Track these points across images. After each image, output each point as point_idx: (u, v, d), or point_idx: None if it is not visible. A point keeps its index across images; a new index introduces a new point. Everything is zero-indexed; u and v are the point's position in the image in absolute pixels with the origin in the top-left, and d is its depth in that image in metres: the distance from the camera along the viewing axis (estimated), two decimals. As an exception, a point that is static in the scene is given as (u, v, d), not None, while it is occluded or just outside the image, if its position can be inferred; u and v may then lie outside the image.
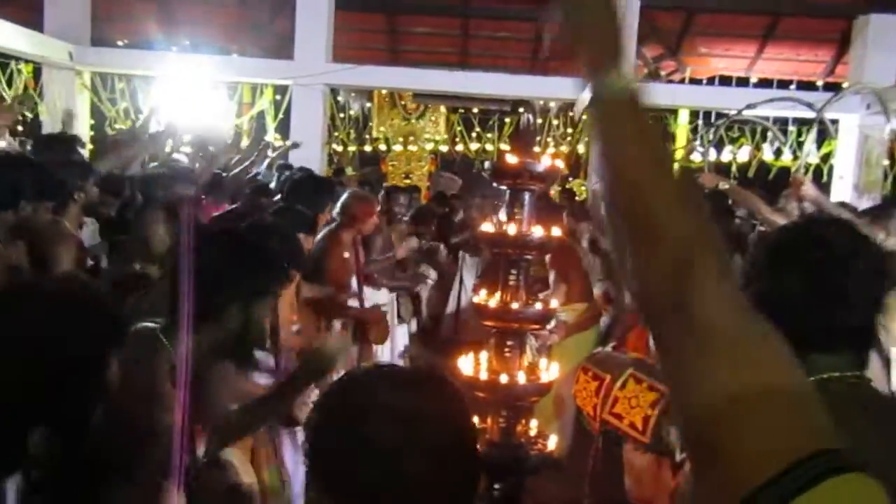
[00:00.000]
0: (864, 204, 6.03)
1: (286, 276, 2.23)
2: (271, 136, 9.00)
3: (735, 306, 0.65)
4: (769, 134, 8.52)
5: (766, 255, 1.20)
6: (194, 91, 8.37)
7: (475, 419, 1.02)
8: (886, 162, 8.69)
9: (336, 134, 11.95)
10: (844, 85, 8.83)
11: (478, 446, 0.94)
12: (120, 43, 9.61)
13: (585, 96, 0.77)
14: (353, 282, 4.13)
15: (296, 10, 8.17)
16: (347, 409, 0.90)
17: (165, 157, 5.06)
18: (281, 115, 8.91)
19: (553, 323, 4.10)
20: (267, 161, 6.84)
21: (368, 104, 13.13)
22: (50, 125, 7.72)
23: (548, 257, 4.56)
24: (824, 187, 8.38)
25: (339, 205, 4.03)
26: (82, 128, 8.05)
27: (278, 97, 9.00)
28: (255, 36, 9.85)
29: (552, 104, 11.52)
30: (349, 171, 12.15)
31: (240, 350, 1.65)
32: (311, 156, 7.87)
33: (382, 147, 12.97)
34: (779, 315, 0.84)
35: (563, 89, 8.88)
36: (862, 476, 0.58)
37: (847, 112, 7.63)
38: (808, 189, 3.39)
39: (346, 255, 3.97)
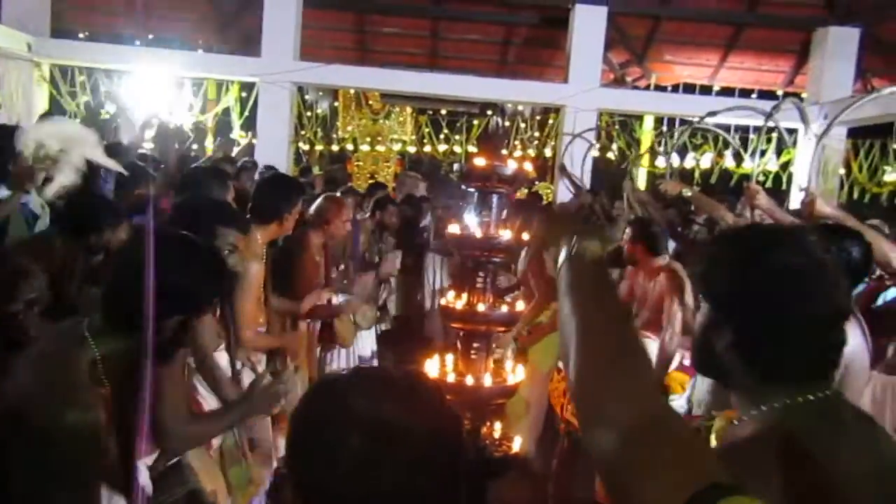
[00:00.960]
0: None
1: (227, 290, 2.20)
2: (237, 134, 8.89)
3: (637, 410, 0.82)
4: (730, 141, 8.68)
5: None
6: (158, 86, 8.22)
7: (462, 426, 0.95)
8: (843, 171, 8.95)
9: (303, 133, 11.85)
10: (804, 95, 9.06)
11: (461, 455, 0.90)
12: (81, 35, 9.39)
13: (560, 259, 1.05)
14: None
15: (263, 7, 8.09)
16: (323, 416, 0.87)
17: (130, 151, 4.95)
18: (247, 113, 8.81)
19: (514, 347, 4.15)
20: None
21: (336, 103, 13.06)
22: (6, 118, 7.50)
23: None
24: (783, 194, 8.58)
25: (312, 207, 3.97)
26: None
27: (244, 94, 8.90)
28: (222, 32, 9.72)
29: (520, 107, 11.59)
30: (316, 170, 12.07)
31: (165, 353, 1.61)
32: (277, 154, 7.81)
33: (350, 147, 12.90)
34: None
35: (531, 93, 8.96)
36: (746, 497, 0.70)
37: (788, 106, 7.80)
38: (761, 199, 3.45)
39: (317, 258, 3.92)
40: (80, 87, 8.54)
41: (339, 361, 4.43)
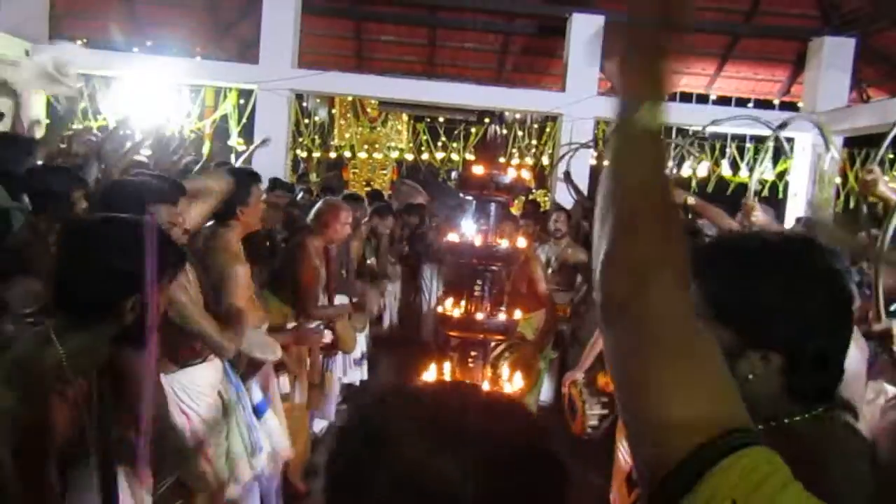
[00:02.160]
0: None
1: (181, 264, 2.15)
2: (234, 141, 8.88)
3: (677, 318, 0.74)
4: (727, 150, 8.73)
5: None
6: (156, 93, 8.22)
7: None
8: (839, 180, 8.97)
9: (301, 140, 11.86)
10: (800, 104, 9.10)
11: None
12: (79, 41, 9.39)
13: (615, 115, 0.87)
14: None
15: (262, 14, 8.10)
16: (372, 439, 0.72)
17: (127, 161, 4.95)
18: (245, 120, 8.81)
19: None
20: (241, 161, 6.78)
21: (334, 110, 13.07)
22: (2, 125, 7.48)
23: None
24: (780, 203, 8.60)
25: (312, 211, 4.00)
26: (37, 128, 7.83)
27: (242, 101, 8.90)
28: (220, 39, 9.73)
29: (518, 115, 11.62)
30: (313, 177, 12.07)
31: (137, 338, 1.60)
32: (275, 161, 7.81)
33: (347, 154, 12.91)
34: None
35: (529, 101, 8.98)
36: (764, 449, 0.67)
37: (801, 131, 7.86)
38: (759, 216, 3.47)
39: (317, 262, 3.92)
40: (77, 94, 8.52)
41: (336, 364, 4.44)
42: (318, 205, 4.04)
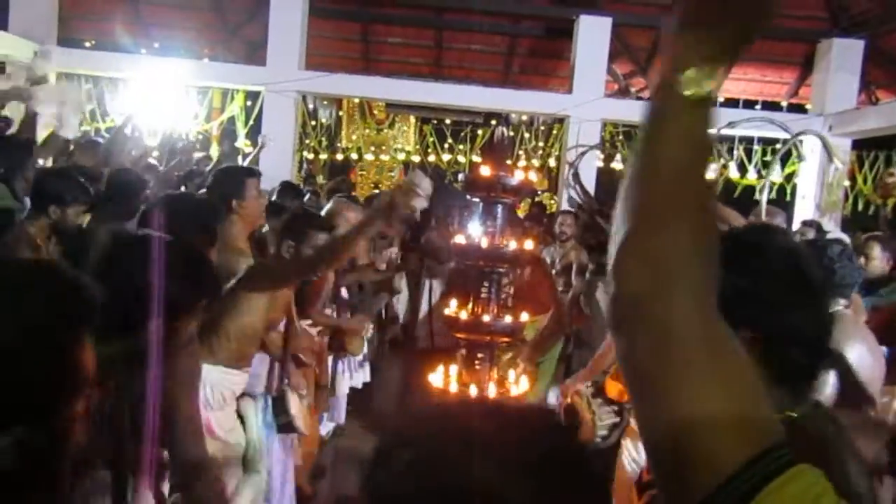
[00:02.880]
0: (825, 223, 6.17)
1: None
2: (241, 143, 8.90)
3: (699, 317, 0.65)
4: (735, 152, 8.68)
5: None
6: (163, 95, 8.25)
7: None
8: (847, 183, 8.93)
9: (307, 142, 11.88)
10: (808, 107, 9.06)
11: None
12: (88, 43, 9.44)
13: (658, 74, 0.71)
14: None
15: (269, 16, 8.12)
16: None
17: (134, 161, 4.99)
18: (252, 122, 8.83)
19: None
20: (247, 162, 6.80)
21: (341, 112, 13.09)
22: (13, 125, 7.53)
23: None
24: (788, 206, 8.56)
25: (323, 211, 4.05)
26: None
27: (249, 103, 8.92)
28: (227, 41, 9.76)
29: (524, 117, 11.60)
30: (320, 179, 12.09)
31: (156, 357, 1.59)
32: (282, 163, 7.82)
33: (354, 156, 12.93)
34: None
35: (535, 103, 8.97)
36: (810, 467, 0.62)
37: (811, 135, 7.82)
38: (779, 220, 3.50)
39: None
40: (85, 96, 8.56)
41: (344, 366, 4.45)
42: (328, 205, 4.08)
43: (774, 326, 1.10)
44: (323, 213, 4.03)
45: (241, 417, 2.78)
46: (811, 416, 1.09)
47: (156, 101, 8.11)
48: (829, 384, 2.26)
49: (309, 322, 3.70)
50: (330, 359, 4.20)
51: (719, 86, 0.68)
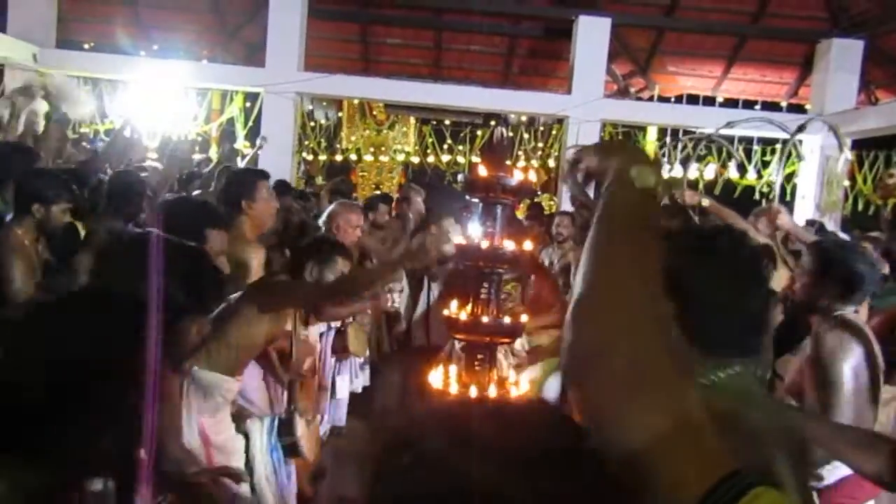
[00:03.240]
0: (826, 223, 6.17)
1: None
2: (241, 144, 8.90)
3: (644, 367, 0.72)
4: (735, 153, 8.67)
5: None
6: (162, 96, 8.25)
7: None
8: (847, 183, 8.92)
9: (307, 143, 11.87)
10: (808, 107, 9.05)
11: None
12: (86, 46, 9.44)
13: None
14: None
15: (268, 18, 8.12)
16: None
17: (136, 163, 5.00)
18: (251, 123, 8.82)
19: (525, 346, 4.11)
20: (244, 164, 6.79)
21: (340, 114, 13.08)
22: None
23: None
24: (787, 206, 8.56)
25: (325, 213, 4.06)
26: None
27: (248, 105, 8.91)
28: (226, 42, 9.76)
29: (524, 118, 11.60)
30: (319, 180, 12.07)
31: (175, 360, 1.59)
32: (281, 164, 7.81)
33: (353, 157, 12.92)
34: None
35: (535, 104, 8.97)
36: (771, 489, 0.66)
37: (811, 134, 7.81)
38: (784, 219, 3.47)
39: None
40: (86, 97, 8.55)
41: (346, 368, 4.43)
42: (332, 206, 4.10)
43: (706, 304, 1.27)
44: (325, 215, 4.03)
45: (245, 436, 2.77)
46: (731, 379, 1.24)
47: (155, 103, 8.11)
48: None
49: (316, 327, 3.70)
50: (332, 360, 4.18)
51: (658, 179, 0.89)
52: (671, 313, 1.13)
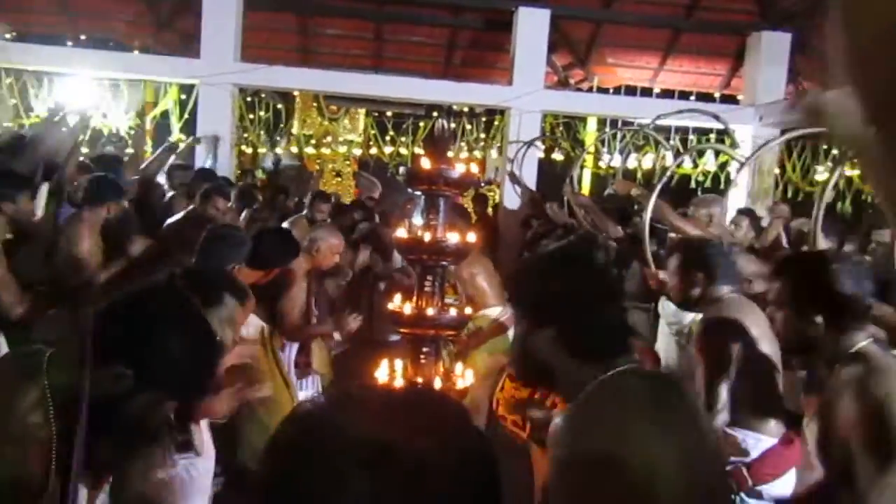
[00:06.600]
0: (758, 209, 6.37)
1: None
2: (176, 137, 8.65)
3: None
4: (671, 142, 8.88)
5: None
6: (92, 89, 7.93)
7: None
8: (777, 171, 9.25)
9: (246, 136, 11.61)
10: (739, 97, 9.33)
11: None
12: (8, 35, 8.98)
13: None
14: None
15: (202, 6, 7.88)
16: (307, 452, 0.69)
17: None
18: (187, 116, 8.57)
19: (469, 328, 4.11)
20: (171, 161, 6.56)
21: (279, 106, 12.84)
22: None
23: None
24: (721, 193, 8.81)
25: (309, 236, 4.06)
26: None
27: (184, 97, 8.66)
28: (159, 32, 9.43)
29: (465, 109, 11.62)
30: (259, 173, 11.84)
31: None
32: (219, 157, 7.64)
33: (294, 149, 12.71)
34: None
35: (476, 95, 8.98)
36: None
37: (742, 123, 8.07)
38: (784, 209, 3.55)
39: (302, 283, 3.83)
40: (7, 90, 8.16)
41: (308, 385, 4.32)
42: (317, 230, 4.12)
43: (582, 322, 1.43)
44: (309, 235, 4.06)
45: None
46: (612, 377, 1.38)
47: (84, 96, 7.79)
48: None
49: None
50: (294, 378, 4.07)
51: None
52: (552, 336, 1.41)
